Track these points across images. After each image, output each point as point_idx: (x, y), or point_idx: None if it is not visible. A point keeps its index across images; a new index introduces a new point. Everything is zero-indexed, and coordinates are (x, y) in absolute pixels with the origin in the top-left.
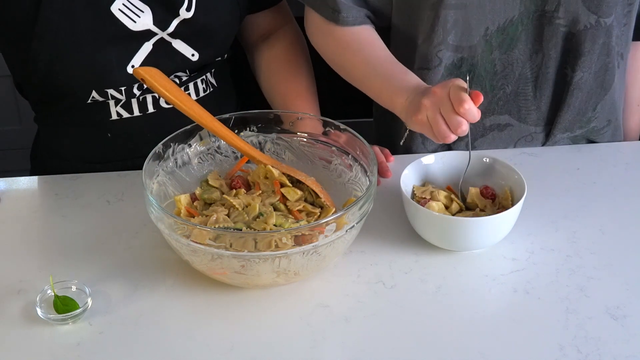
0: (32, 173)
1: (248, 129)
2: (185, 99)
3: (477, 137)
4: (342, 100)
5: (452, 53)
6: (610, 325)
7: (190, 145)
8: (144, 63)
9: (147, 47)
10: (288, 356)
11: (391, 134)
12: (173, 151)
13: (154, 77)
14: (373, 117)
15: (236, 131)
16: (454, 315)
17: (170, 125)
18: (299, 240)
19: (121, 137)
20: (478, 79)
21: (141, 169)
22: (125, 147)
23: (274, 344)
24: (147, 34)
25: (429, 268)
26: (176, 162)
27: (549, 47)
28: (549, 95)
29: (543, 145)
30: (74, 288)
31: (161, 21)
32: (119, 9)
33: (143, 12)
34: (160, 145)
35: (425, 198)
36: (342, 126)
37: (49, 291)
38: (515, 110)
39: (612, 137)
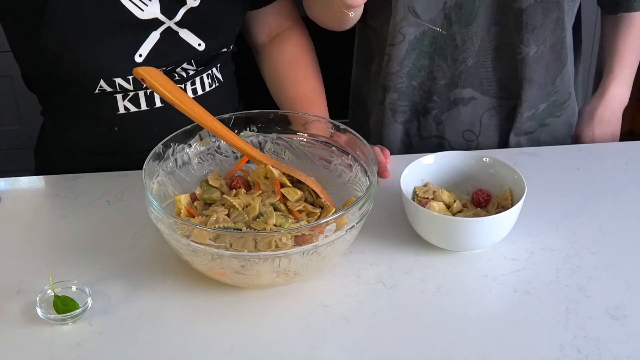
0: (36, 168)
1: (248, 129)
2: (186, 99)
3: (443, 111)
4: (342, 100)
5: (414, 28)
6: (611, 326)
7: (190, 145)
8: (152, 52)
9: (154, 36)
10: (288, 356)
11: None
12: (173, 151)
13: (154, 77)
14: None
15: (236, 131)
16: (454, 315)
17: (177, 120)
18: (299, 241)
19: (128, 131)
20: (440, 53)
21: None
22: (132, 141)
23: (274, 344)
24: (154, 23)
25: (429, 268)
26: (176, 162)
27: (504, 22)
28: (508, 68)
29: (509, 121)
30: (74, 288)
31: (168, 10)
32: None
33: (151, 0)
34: (160, 145)
35: (427, 198)
36: (342, 126)
37: (49, 291)
38: (477, 82)
39: (572, 112)
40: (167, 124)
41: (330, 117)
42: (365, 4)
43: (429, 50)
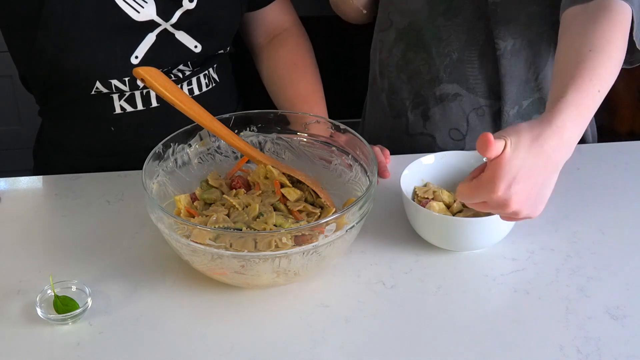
0: (35, 169)
1: (248, 129)
2: (185, 99)
3: (430, 107)
4: (342, 100)
5: (400, 17)
6: (611, 326)
7: (190, 145)
8: (148, 54)
9: (150, 38)
10: (288, 356)
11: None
12: (173, 151)
13: (154, 77)
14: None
15: (236, 131)
16: (454, 315)
17: (173, 120)
18: (299, 240)
19: (125, 131)
20: (424, 45)
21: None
22: (129, 141)
23: (274, 344)
24: (150, 25)
25: (429, 268)
26: (176, 162)
27: (488, 16)
28: (493, 65)
29: (498, 123)
30: (74, 288)
31: (164, 12)
32: (124, 0)
33: (147, 2)
34: (160, 145)
35: (427, 198)
36: (342, 126)
37: (49, 291)
38: (464, 79)
39: None
40: (164, 124)
41: (330, 117)
42: None
43: (414, 42)
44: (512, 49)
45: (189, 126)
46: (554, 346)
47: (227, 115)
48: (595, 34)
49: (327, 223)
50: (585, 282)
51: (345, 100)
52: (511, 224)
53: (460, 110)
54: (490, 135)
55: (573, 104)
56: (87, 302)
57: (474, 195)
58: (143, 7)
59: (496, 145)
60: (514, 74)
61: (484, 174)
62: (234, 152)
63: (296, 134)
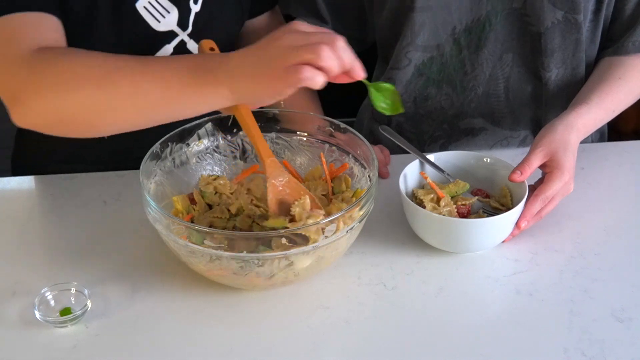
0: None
1: None
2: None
3: (451, 141)
4: (342, 100)
5: (421, 53)
6: (615, 328)
7: (188, 145)
8: None
9: (166, 50)
10: (288, 358)
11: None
12: (171, 151)
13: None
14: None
15: (235, 130)
16: (455, 317)
17: (166, 132)
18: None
19: (117, 140)
20: (448, 80)
21: (138, 169)
22: (121, 148)
23: (274, 347)
24: (168, 36)
25: (431, 269)
26: (174, 162)
27: (519, 47)
28: (523, 97)
29: (519, 147)
30: (73, 290)
31: (182, 20)
32: (144, 7)
33: (169, 12)
34: (157, 144)
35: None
36: (343, 126)
37: (47, 293)
38: (489, 113)
39: None
40: (156, 129)
41: (329, 117)
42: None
43: (437, 77)
44: (556, 78)
45: (187, 125)
46: (558, 349)
47: (226, 115)
48: (627, 70)
49: (327, 223)
50: (589, 284)
51: (345, 100)
52: (510, 225)
53: (484, 143)
54: (521, 175)
55: (592, 110)
56: (86, 304)
57: (549, 189)
58: (164, 17)
59: (528, 173)
60: (558, 103)
61: (546, 181)
62: (232, 152)
63: (296, 133)
